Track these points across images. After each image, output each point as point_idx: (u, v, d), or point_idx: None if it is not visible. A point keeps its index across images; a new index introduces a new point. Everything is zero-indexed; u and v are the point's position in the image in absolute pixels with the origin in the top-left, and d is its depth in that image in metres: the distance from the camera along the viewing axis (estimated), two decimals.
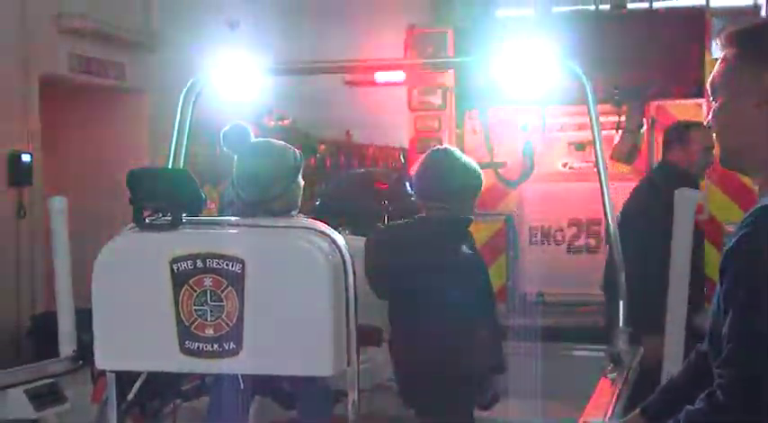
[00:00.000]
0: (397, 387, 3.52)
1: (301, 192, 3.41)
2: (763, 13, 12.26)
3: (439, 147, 3.87)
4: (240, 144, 3.34)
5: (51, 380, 3.48)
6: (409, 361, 3.44)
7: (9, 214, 7.73)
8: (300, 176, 3.40)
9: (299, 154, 3.41)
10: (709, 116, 2.00)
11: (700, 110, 7.00)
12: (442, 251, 3.45)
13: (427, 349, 3.34)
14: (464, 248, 3.52)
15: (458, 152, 3.73)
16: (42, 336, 6.67)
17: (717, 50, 2.07)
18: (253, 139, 3.39)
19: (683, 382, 2.16)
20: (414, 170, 3.73)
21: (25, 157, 7.80)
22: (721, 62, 1.97)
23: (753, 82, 1.90)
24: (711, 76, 2.00)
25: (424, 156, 3.73)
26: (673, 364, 3.38)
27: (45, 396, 3.39)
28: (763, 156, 1.91)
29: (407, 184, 4.56)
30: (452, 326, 3.32)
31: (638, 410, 2.23)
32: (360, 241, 3.47)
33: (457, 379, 3.38)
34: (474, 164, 3.68)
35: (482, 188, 3.69)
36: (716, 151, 2.03)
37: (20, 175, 7.76)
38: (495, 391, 3.58)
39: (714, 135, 2.00)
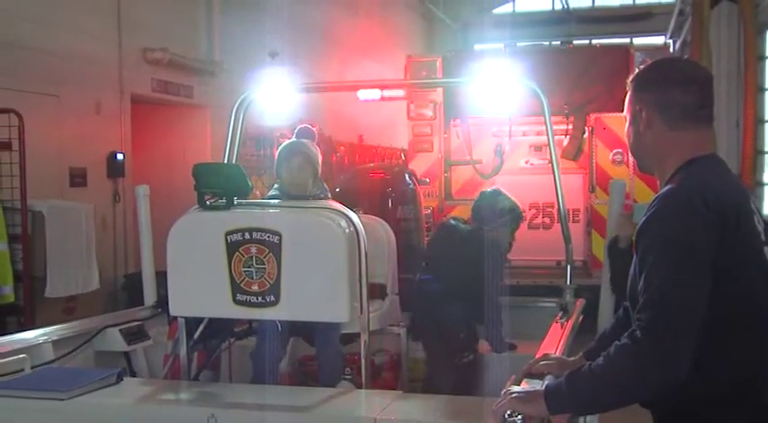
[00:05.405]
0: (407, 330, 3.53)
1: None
2: (671, 50, 12.20)
3: (493, 188, 3.99)
4: (308, 138, 3.38)
5: (139, 322, 3.46)
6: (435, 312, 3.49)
7: (108, 199, 7.74)
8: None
9: (319, 151, 3.39)
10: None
11: (626, 122, 6.99)
12: (475, 250, 3.51)
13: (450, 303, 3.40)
14: (489, 250, 3.55)
15: (504, 193, 3.82)
16: (132, 290, 6.67)
17: None
18: (315, 136, 3.43)
19: (613, 330, 2.14)
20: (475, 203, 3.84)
21: (119, 156, 7.79)
22: (628, 92, 2.02)
23: (638, 111, 1.96)
24: None
25: (481, 193, 3.86)
26: (606, 319, 3.32)
27: (134, 334, 3.36)
28: (652, 163, 1.98)
29: (406, 175, 4.52)
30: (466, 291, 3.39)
31: (581, 354, 2.21)
32: (369, 219, 3.42)
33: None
34: (513, 204, 3.75)
35: (518, 222, 3.73)
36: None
37: (115, 169, 7.76)
38: (512, 343, 3.63)
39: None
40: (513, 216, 3.65)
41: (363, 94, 4.00)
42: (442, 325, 3.48)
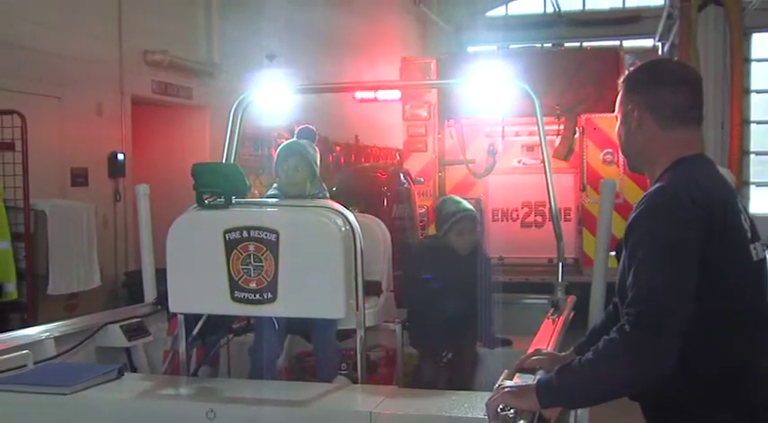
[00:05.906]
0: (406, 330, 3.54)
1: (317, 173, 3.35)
2: (660, 52, 12.25)
3: (445, 196, 4.01)
4: (308, 138, 3.33)
5: (139, 319, 3.44)
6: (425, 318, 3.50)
7: (109, 198, 7.73)
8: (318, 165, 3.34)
9: (317, 151, 3.37)
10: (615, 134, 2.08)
11: (617, 122, 7.00)
12: (435, 256, 3.58)
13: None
14: (448, 253, 3.57)
15: (453, 199, 3.79)
16: (133, 287, 6.66)
17: None
18: (315, 136, 3.39)
19: (603, 325, 2.15)
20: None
21: (120, 156, 7.78)
22: (619, 93, 2.02)
23: (629, 111, 1.96)
24: None
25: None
26: (597, 315, 3.33)
27: (134, 330, 3.35)
28: (643, 162, 1.99)
29: (401, 175, 4.52)
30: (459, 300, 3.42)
31: (572, 349, 2.22)
32: (365, 218, 3.42)
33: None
34: (458, 207, 3.67)
35: (466, 223, 3.66)
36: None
37: (116, 169, 7.75)
38: (505, 338, 3.62)
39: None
40: (457, 219, 3.63)
41: (359, 95, 4.00)
42: (432, 324, 3.49)
